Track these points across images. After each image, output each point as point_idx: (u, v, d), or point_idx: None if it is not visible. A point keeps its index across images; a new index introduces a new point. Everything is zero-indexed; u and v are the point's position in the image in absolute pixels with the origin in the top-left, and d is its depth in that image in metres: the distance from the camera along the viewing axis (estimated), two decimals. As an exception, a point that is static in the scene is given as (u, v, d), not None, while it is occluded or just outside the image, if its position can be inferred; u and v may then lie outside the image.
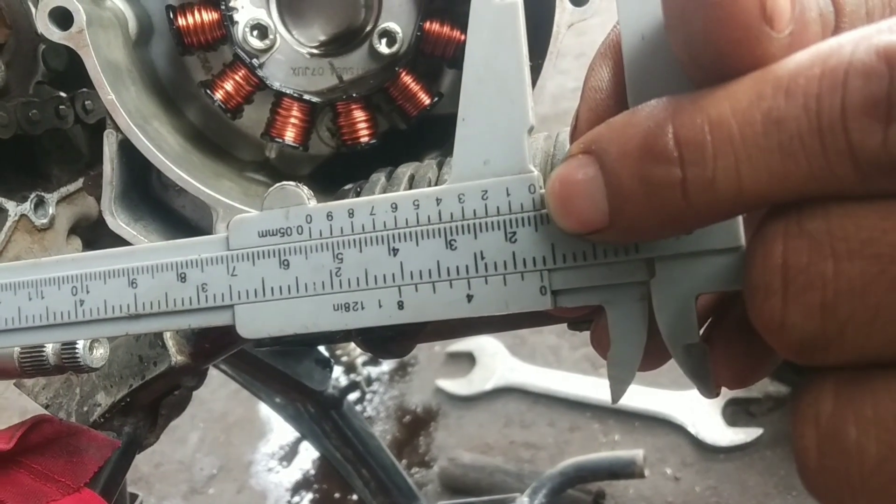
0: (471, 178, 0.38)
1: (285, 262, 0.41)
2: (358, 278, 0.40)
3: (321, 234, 0.41)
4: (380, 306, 0.40)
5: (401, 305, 0.39)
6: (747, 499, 1.65)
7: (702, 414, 1.81)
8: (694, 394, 1.86)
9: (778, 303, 0.29)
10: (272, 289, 0.41)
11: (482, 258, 0.38)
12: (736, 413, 1.82)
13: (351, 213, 0.40)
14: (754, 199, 0.29)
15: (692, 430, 1.79)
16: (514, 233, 0.38)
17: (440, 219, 0.39)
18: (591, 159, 0.32)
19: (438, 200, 0.39)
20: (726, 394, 1.83)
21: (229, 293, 0.42)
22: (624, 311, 0.37)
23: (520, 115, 0.38)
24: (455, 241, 0.38)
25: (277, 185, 0.42)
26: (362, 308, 0.40)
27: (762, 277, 0.30)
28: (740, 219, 0.34)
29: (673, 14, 0.31)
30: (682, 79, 0.32)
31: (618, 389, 0.38)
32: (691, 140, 0.29)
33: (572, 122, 0.38)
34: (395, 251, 0.39)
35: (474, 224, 0.38)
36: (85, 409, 0.92)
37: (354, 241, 0.40)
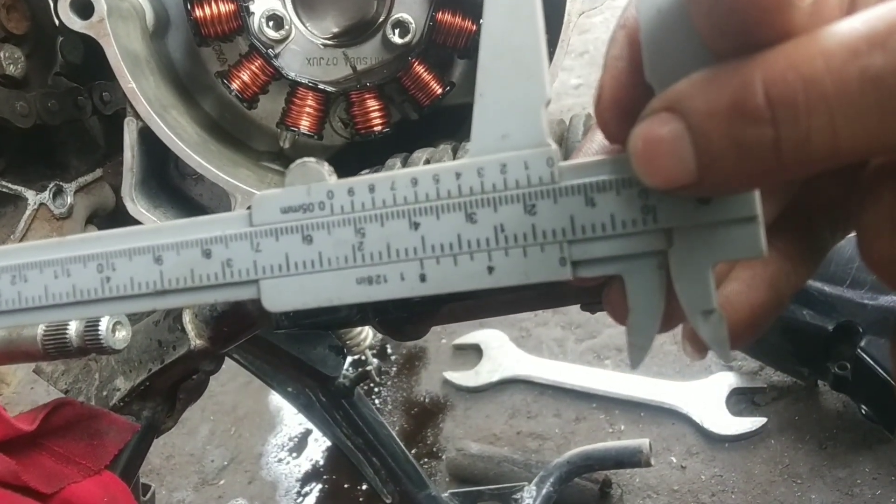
0: (489, 153, 0.39)
1: (308, 238, 0.41)
2: (380, 252, 0.40)
3: (343, 210, 0.41)
4: (402, 279, 0.40)
5: (423, 278, 0.40)
6: (752, 487, 1.66)
7: (706, 404, 1.82)
8: (699, 384, 1.87)
9: (886, 242, 0.32)
10: (296, 263, 0.41)
11: (502, 231, 0.39)
12: (740, 403, 1.83)
13: (371, 189, 0.40)
14: (849, 156, 0.30)
15: (697, 420, 1.80)
16: (534, 205, 0.38)
17: (460, 193, 0.39)
18: (674, 116, 0.32)
19: (458, 175, 0.39)
20: (731, 384, 1.84)
21: (254, 268, 0.42)
22: (642, 280, 0.38)
23: (537, 90, 0.38)
24: (475, 214, 0.39)
25: (299, 161, 0.42)
26: (385, 281, 0.41)
27: (873, 219, 0.32)
28: (757, 191, 0.35)
29: None
30: (698, 51, 0.33)
31: (637, 356, 0.39)
32: (784, 99, 0.29)
33: (596, 92, 0.38)
34: (416, 225, 0.40)
35: (494, 197, 0.39)
36: (104, 393, 0.94)
37: (376, 215, 0.40)
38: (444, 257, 0.40)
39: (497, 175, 0.39)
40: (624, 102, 0.37)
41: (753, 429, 1.75)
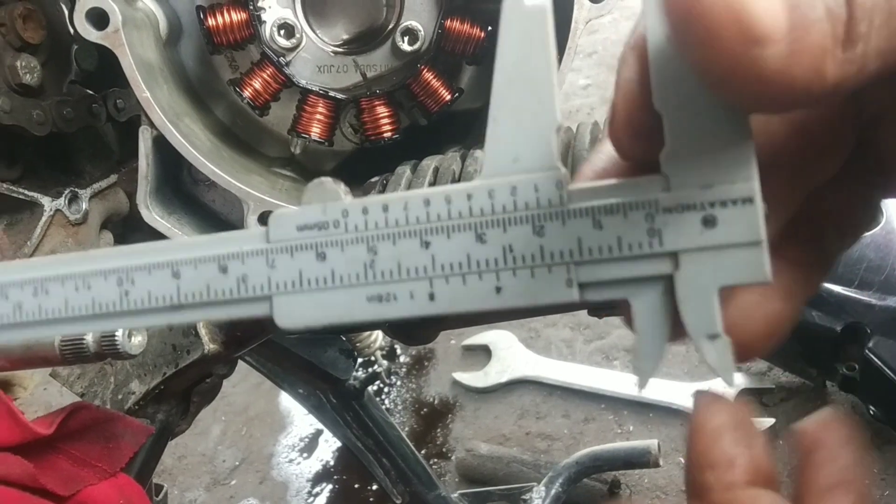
0: (501, 175, 0.39)
1: (322, 255, 0.42)
2: (391, 270, 0.41)
3: (357, 228, 0.41)
4: (412, 298, 0.41)
5: (432, 297, 0.40)
6: (760, 487, 1.66)
7: (716, 405, 1.83)
8: (707, 385, 1.88)
9: None
10: (309, 280, 0.42)
11: (511, 251, 0.39)
12: (748, 403, 1.83)
13: (385, 209, 0.41)
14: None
15: (706, 421, 1.81)
16: (542, 227, 0.39)
17: (471, 213, 0.40)
18: None
19: (469, 196, 0.40)
20: (739, 384, 1.85)
21: (268, 284, 0.42)
22: (648, 304, 0.38)
23: (548, 115, 0.39)
24: (485, 234, 0.39)
25: (316, 180, 0.43)
26: (395, 299, 0.41)
27: None
28: (762, 215, 0.35)
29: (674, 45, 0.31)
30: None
31: (643, 379, 0.39)
32: None
33: (609, 113, 0.38)
34: (427, 244, 0.40)
35: (504, 218, 0.39)
36: (119, 397, 0.95)
37: (388, 234, 0.41)
38: (454, 276, 0.40)
39: (507, 197, 0.39)
40: (637, 123, 0.37)
41: (762, 429, 1.76)
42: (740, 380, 1.87)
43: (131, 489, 0.88)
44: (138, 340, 0.77)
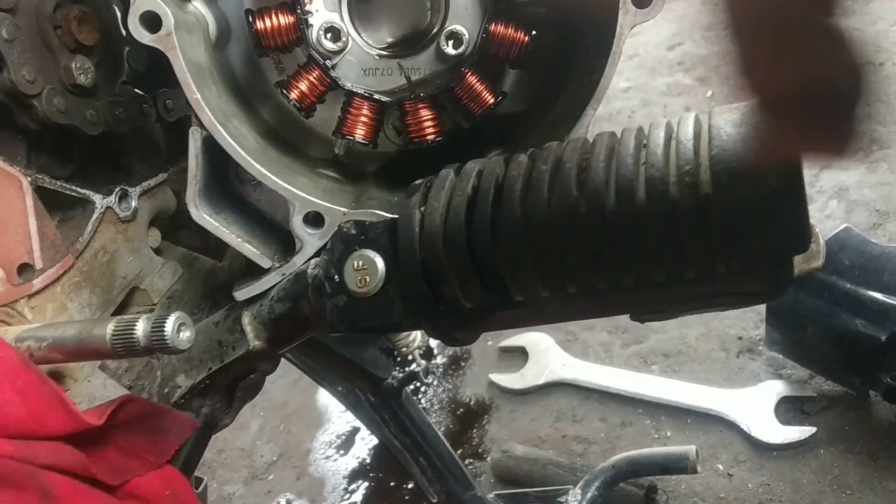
0: None
1: None
2: None
3: None
4: None
5: None
6: (800, 497, 1.64)
7: (755, 411, 1.81)
8: (747, 391, 1.86)
9: None
10: None
11: None
12: (789, 411, 1.81)
13: None
14: None
15: (745, 428, 1.79)
16: None
17: None
18: None
19: None
20: (780, 392, 1.82)
21: None
22: None
23: None
24: None
25: None
26: None
27: None
28: None
29: None
30: None
31: None
32: None
33: None
34: None
35: None
36: (166, 390, 0.98)
37: None
38: None
39: None
40: None
41: (802, 438, 1.73)
42: (781, 387, 1.85)
43: (177, 481, 0.91)
44: (187, 335, 0.79)
